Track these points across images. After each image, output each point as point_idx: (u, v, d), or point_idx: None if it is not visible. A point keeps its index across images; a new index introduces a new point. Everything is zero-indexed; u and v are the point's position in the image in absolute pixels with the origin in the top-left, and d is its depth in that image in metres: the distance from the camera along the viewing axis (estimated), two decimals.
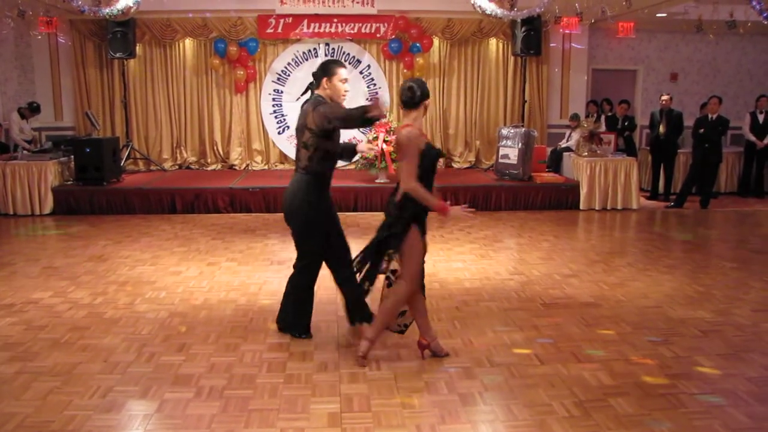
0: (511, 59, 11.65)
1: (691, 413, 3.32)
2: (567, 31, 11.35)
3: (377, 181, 9.44)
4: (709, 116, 9.70)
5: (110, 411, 3.35)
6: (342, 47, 11.37)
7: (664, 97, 10.14)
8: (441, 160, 4.01)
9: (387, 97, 11.23)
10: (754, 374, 3.80)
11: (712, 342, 4.31)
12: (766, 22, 6.95)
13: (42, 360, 3.99)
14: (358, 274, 3.98)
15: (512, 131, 9.86)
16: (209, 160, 11.51)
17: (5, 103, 10.84)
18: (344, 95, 4.15)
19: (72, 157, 9.35)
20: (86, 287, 5.53)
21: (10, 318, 4.76)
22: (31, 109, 10.26)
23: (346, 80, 4.13)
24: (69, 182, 9.37)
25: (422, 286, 3.98)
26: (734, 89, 12.46)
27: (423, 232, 3.81)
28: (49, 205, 9.00)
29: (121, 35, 10.40)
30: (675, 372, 3.82)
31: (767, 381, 3.72)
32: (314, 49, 11.34)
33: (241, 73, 11.19)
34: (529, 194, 9.45)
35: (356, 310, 4.40)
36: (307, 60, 11.36)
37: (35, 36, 10.79)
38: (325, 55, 11.35)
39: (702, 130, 9.63)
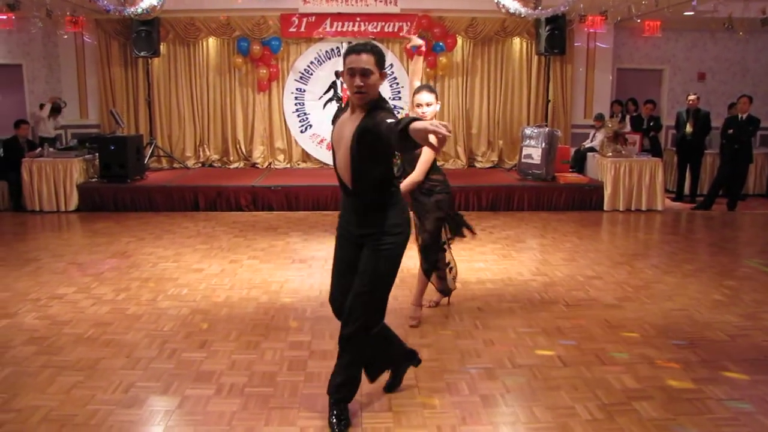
0: (535, 58, 11.55)
1: (719, 419, 3.25)
2: (592, 30, 11.22)
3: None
4: (739, 116, 9.52)
5: (132, 406, 3.37)
6: None
7: (692, 97, 9.98)
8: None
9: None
10: None
11: (739, 346, 4.22)
12: None
13: (66, 354, 4.03)
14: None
15: (536, 131, 9.77)
16: (232, 158, 11.57)
17: (33, 102, 11.01)
18: (354, 91, 2.94)
19: (97, 154, 9.46)
20: (110, 283, 5.58)
21: (36, 312, 4.82)
22: (52, 108, 10.39)
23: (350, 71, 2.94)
24: (94, 179, 9.48)
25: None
26: (764, 89, 12.18)
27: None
28: (74, 202, 9.12)
29: (145, 34, 10.51)
30: (701, 376, 3.75)
31: None
32: (337, 47, 11.35)
33: (264, 71, 11.24)
34: (552, 194, 9.36)
35: None
36: (329, 59, 11.38)
37: (62, 35, 10.94)
38: None
39: (731, 131, 9.45)
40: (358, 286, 3.10)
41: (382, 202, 3.09)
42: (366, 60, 2.90)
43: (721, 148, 9.69)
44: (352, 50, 2.95)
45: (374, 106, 2.96)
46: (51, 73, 11.25)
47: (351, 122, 3.00)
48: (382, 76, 2.98)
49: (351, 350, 3.15)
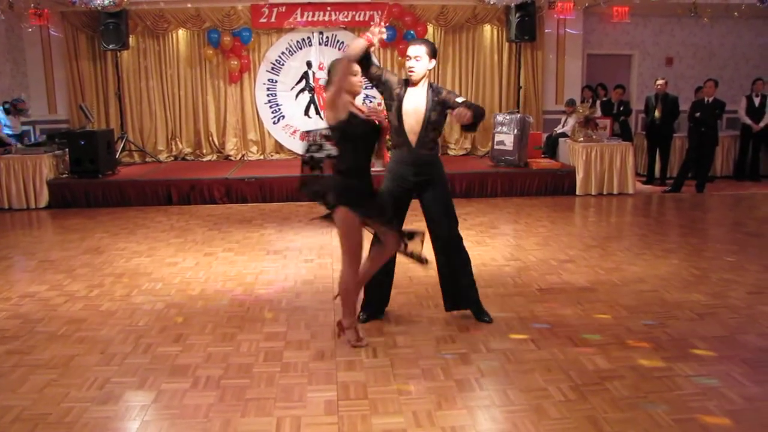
0: (506, 45, 11.60)
1: (687, 395, 3.34)
2: (561, 17, 11.30)
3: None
4: (706, 99, 9.66)
5: (107, 402, 3.35)
6: (336, 35, 11.32)
7: (660, 82, 10.11)
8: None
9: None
10: (749, 356, 3.81)
11: (707, 324, 4.32)
12: (760, 5, 6.92)
13: (39, 353, 3.99)
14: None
15: (508, 117, 9.83)
16: (204, 151, 11.48)
17: None
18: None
19: (67, 150, 9.30)
20: (82, 280, 5.52)
21: (7, 312, 4.76)
22: (12, 104, 10.16)
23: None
24: (64, 175, 9.33)
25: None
26: (729, 73, 12.41)
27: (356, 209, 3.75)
28: (44, 199, 8.97)
29: (113, 27, 10.34)
30: (671, 355, 3.83)
31: (762, 362, 3.73)
32: (308, 37, 11.29)
33: (235, 63, 11.14)
34: (525, 180, 9.44)
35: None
36: (301, 49, 11.32)
37: (26, 29, 10.71)
38: (319, 44, 11.30)
39: (698, 114, 9.60)
40: (445, 211, 4.26)
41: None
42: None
43: (689, 132, 9.85)
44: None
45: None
46: (16, 68, 11.02)
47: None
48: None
49: (462, 252, 4.36)
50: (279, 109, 11.47)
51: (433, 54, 4.13)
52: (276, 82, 11.40)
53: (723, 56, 12.48)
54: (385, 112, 4.13)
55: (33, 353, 3.99)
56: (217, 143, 11.49)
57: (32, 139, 10.40)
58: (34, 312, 4.74)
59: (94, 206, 8.93)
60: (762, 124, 10.54)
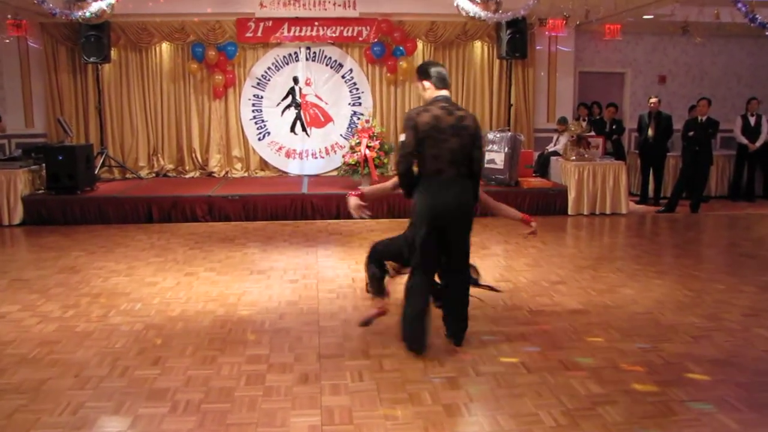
0: (497, 62, 11.55)
1: (681, 420, 3.26)
2: (553, 34, 11.31)
3: (360, 187, 9.27)
4: (699, 118, 9.63)
5: (81, 428, 3.22)
6: (323, 51, 11.25)
7: (653, 100, 10.11)
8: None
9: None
10: (745, 380, 3.74)
11: (702, 347, 4.24)
12: (751, 24, 6.90)
13: (8, 377, 3.82)
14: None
15: (498, 135, 9.77)
16: (187, 168, 11.31)
17: None
18: None
19: (43, 165, 9.09)
20: (57, 300, 5.34)
21: None
22: None
23: None
24: (40, 191, 9.12)
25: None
26: (722, 91, 12.45)
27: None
28: (18, 215, 8.73)
29: (95, 39, 10.16)
30: (664, 379, 3.75)
31: (757, 387, 3.66)
32: (295, 53, 11.21)
33: (220, 77, 11.02)
34: (516, 199, 9.31)
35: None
36: (287, 64, 11.23)
37: (4, 40, 10.52)
38: (306, 60, 11.22)
39: (692, 133, 9.57)
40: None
41: None
42: None
43: (683, 151, 9.81)
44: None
45: None
46: None
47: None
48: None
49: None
50: (264, 126, 11.36)
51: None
52: (261, 97, 11.29)
53: (715, 75, 12.53)
54: None
55: (2, 377, 3.82)
56: (200, 160, 11.33)
57: (7, 153, 10.16)
58: (4, 333, 4.56)
59: (72, 224, 8.70)
60: (758, 144, 10.54)
